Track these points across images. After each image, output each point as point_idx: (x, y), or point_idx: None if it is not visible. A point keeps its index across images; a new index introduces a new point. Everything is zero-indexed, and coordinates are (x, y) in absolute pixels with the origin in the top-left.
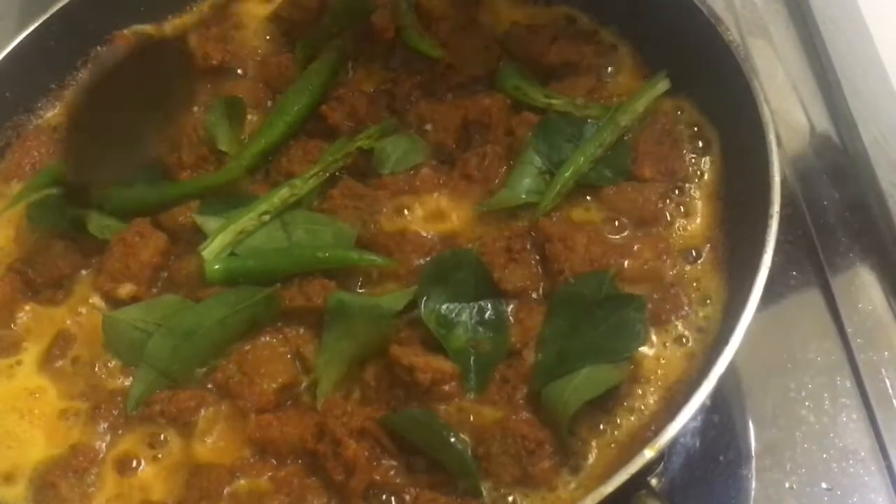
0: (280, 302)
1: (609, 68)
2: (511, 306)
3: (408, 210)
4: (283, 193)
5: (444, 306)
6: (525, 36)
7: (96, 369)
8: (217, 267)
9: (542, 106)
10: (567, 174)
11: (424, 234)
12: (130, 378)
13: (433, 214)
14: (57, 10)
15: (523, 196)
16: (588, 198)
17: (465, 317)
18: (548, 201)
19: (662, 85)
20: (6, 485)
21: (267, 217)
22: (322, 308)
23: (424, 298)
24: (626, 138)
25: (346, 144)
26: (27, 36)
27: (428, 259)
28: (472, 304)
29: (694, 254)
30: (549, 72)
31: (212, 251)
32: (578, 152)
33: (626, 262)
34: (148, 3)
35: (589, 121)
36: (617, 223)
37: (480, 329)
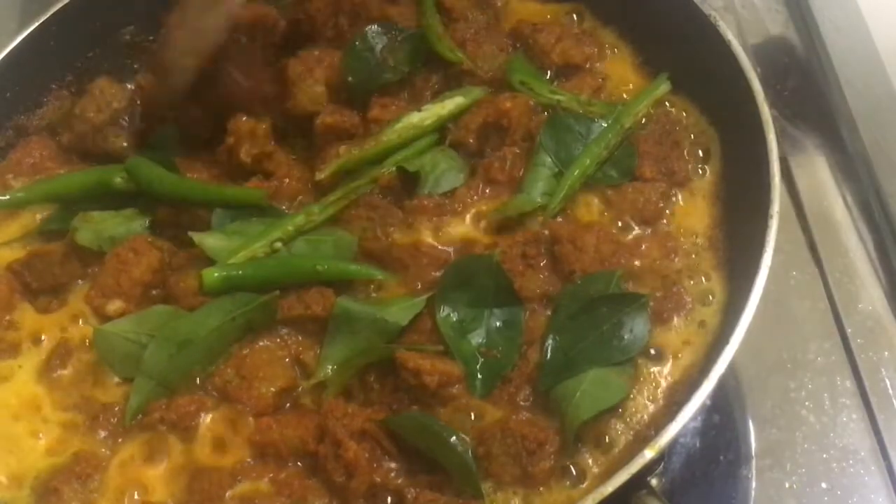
0: (276, 308)
1: (610, 69)
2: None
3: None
4: (299, 221)
5: (461, 313)
6: (530, 34)
7: (93, 382)
8: (216, 275)
9: (550, 103)
10: (574, 176)
11: (439, 246)
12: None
13: (450, 224)
14: (57, 10)
15: (538, 200)
16: (591, 198)
17: (481, 325)
18: (555, 203)
19: (664, 87)
20: (8, 488)
21: (280, 244)
22: (321, 316)
23: (441, 303)
24: (631, 139)
25: (372, 170)
26: (27, 36)
27: (442, 271)
28: (489, 311)
29: (694, 254)
30: (554, 70)
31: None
32: (585, 154)
33: (635, 262)
34: (147, 4)
35: (596, 120)
36: (623, 223)
37: (495, 337)
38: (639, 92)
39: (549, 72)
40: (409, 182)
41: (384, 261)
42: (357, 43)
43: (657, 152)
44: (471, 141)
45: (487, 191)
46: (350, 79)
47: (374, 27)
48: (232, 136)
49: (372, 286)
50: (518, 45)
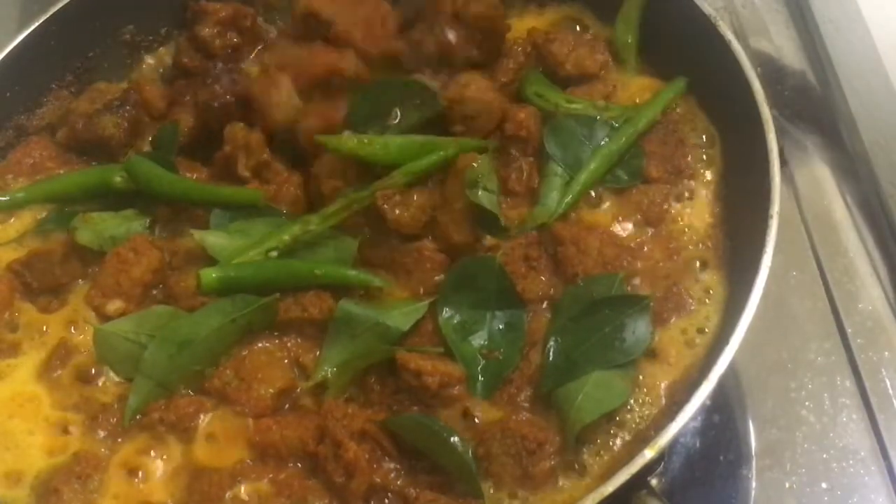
0: (276, 310)
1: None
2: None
3: None
4: (296, 230)
5: (463, 314)
6: (543, 43)
7: (93, 382)
8: (214, 276)
9: (562, 112)
10: (582, 181)
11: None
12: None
13: None
14: (57, 10)
15: (555, 208)
16: (597, 200)
17: (483, 326)
18: (562, 207)
19: (680, 91)
20: (8, 486)
21: (275, 254)
22: (318, 319)
23: (444, 305)
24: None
25: (378, 183)
26: (27, 36)
27: (444, 276)
28: (491, 313)
29: (695, 254)
30: (565, 79)
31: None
32: (595, 159)
33: (638, 264)
34: (147, 4)
35: (598, 118)
36: (626, 225)
37: (497, 339)
38: (644, 92)
39: (560, 80)
40: None
41: (385, 265)
42: (376, 85)
43: (662, 152)
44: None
45: (509, 200)
46: (349, 113)
47: (408, 80)
48: (228, 144)
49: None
50: (530, 52)
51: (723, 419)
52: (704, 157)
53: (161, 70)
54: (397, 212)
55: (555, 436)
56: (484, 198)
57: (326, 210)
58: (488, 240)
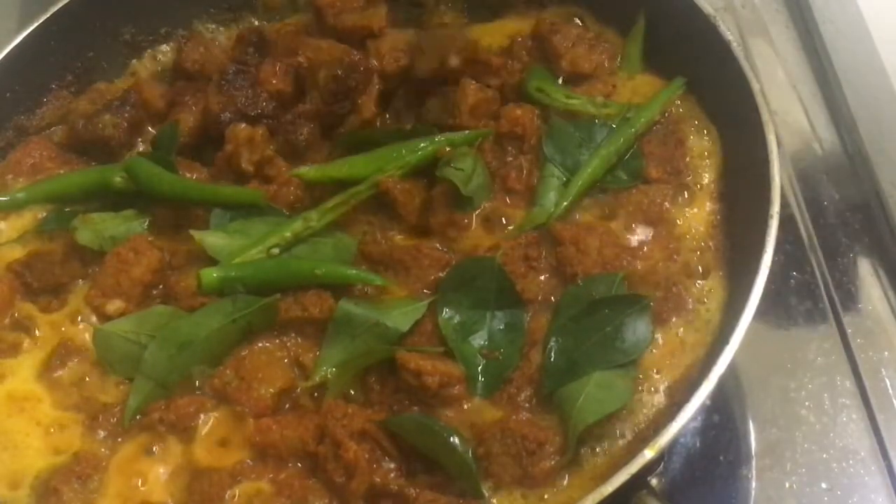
0: (277, 311)
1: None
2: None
3: None
4: (297, 227)
5: (463, 315)
6: (546, 35)
7: (93, 382)
8: (214, 276)
9: (561, 108)
10: (581, 182)
11: (440, 248)
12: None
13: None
14: (57, 10)
15: (552, 210)
16: (597, 201)
17: (483, 326)
18: (560, 209)
19: (678, 91)
20: (8, 486)
21: (276, 251)
22: (318, 319)
23: (443, 305)
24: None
25: (374, 176)
26: (27, 36)
27: (444, 273)
28: (491, 313)
29: (695, 254)
30: (567, 76)
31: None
32: (593, 160)
33: (637, 264)
34: (147, 4)
35: (596, 121)
36: (627, 225)
37: (497, 339)
38: (644, 91)
39: (560, 77)
40: None
41: (385, 263)
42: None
43: (662, 152)
44: (486, 153)
45: (508, 200)
46: None
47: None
48: (230, 143)
49: (372, 289)
50: (532, 47)
51: (723, 419)
52: (704, 157)
53: (161, 70)
54: (405, 196)
55: (555, 436)
56: (450, 172)
57: (326, 205)
58: (488, 240)
